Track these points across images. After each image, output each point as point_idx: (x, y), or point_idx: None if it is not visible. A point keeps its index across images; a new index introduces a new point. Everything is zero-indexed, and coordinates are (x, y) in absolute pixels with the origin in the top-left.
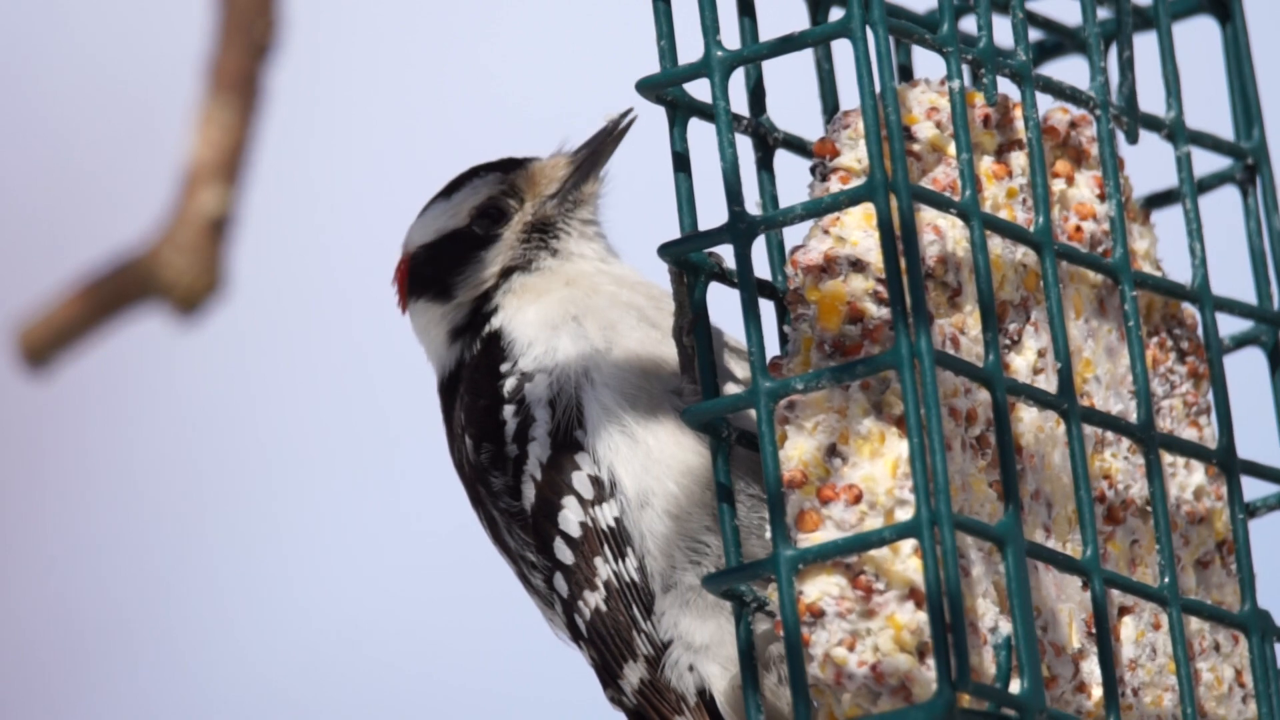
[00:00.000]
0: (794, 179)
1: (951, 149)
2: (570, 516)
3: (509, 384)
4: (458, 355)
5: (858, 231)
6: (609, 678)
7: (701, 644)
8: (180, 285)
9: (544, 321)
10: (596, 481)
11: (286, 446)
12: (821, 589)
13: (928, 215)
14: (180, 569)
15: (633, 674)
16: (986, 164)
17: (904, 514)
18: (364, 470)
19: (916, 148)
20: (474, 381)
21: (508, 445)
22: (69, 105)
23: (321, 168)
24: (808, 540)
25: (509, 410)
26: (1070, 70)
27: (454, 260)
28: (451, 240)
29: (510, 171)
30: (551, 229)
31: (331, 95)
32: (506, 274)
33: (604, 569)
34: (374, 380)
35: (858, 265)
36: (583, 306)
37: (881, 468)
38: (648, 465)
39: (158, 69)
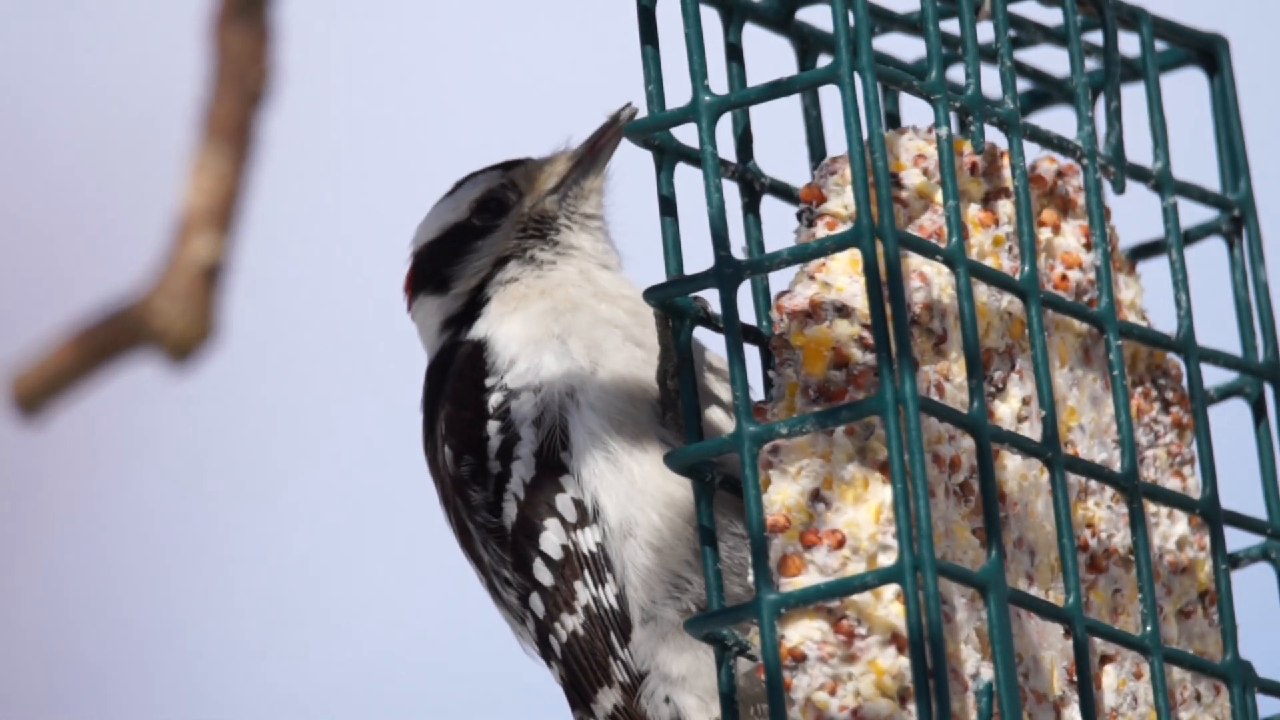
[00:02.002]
0: (780, 224)
1: (938, 196)
2: (552, 538)
3: (494, 399)
4: (445, 343)
5: (843, 277)
6: (579, 699)
7: (678, 675)
8: (173, 333)
9: (527, 337)
10: (579, 505)
11: (280, 492)
12: (803, 633)
13: (914, 262)
14: (174, 615)
15: (607, 700)
16: (973, 211)
17: (887, 559)
18: (359, 514)
19: (904, 195)
20: (458, 391)
21: (490, 461)
22: (62, 153)
23: (315, 215)
24: (790, 584)
25: (493, 426)
26: (1058, 121)
27: (453, 253)
28: (452, 234)
29: (510, 169)
30: (551, 223)
31: (325, 143)
32: (501, 263)
33: (584, 593)
34: (369, 425)
35: (843, 311)
36: (566, 324)
37: (865, 513)
38: (631, 495)
39: (151, 116)
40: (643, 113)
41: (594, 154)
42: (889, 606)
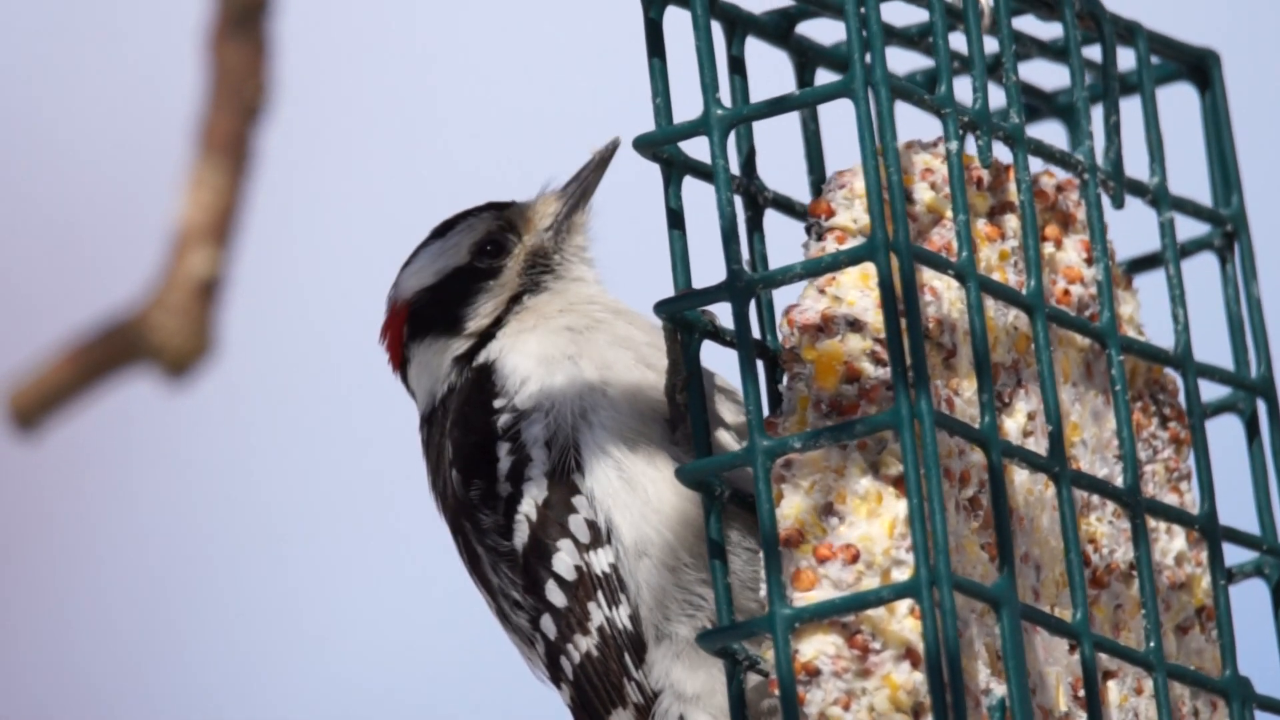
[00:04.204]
0: (781, 239)
1: (947, 211)
2: (565, 559)
3: (503, 420)
4: (450, 382)
5: (854, 291)
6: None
7: (693, 694)
8: (170, 348)
9: (541, 357)
10: (593, 526)
11: (278, 508)
12: (817, 648)
13: (924, 276)
14: (170, 629)
15: None
16: (980, 226)
17: (900, 574)
18: (357, 529)
19: (914, 209)
20: (464, 415)
21: (500, 484)
22: (59, 168)
23: (312, 230)
24: (804, 599)
25: (504, 448)
26: (1047, 136)
27: (460, 295)
28: (454, 278)
29: (503, 210)
30: (551, 258)
31: (322, 157)
32: (515, 299)
33: (597, 614)
34: (365, 441)
35: (855, 325)
36: (580, 345)
37: (878, 528)
38: (645, 514)
39: (148, 131)
40: (637, 133)
41: (581, 190)
42: (903, 621)
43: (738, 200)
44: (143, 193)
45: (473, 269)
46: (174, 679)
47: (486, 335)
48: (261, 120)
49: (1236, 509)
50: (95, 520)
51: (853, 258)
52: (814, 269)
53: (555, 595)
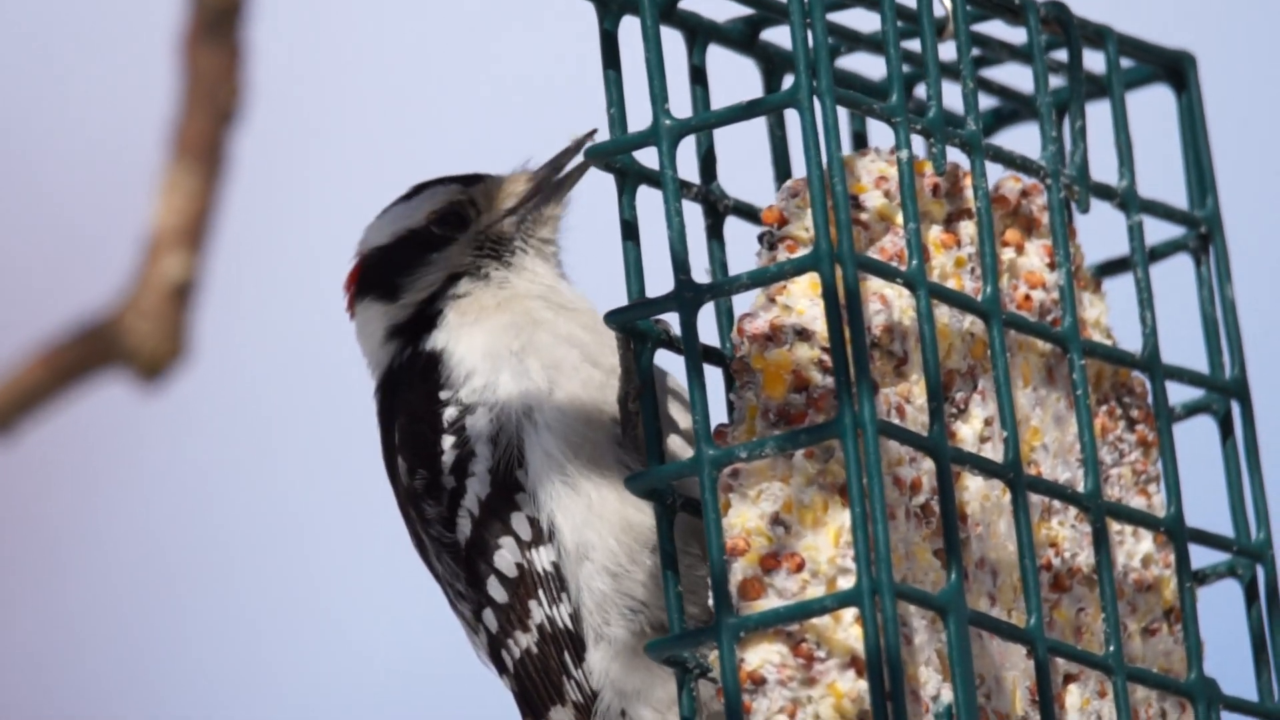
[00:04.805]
0: (746, 245)
1: (900, 218)
2: (507, 556)
3: (449, 413)
4: (392, 355)
5: (804, 300)
6: (530, 711)
7: (634, 690)
8: (144, 351)
9: (485, 351)
10: (534, 523)
11: (250, 514)
12: (763, 656)
13: (874, 284)
14: (144, 636)
15: (560, 718)
16: (935, 233)
17: (846, 582)
18: (334, 534)
19: (864, 217)
20: (410, 402)
21: (444, 476)
22: (33, 172)
23: (286, 233)
24: (750, 608)
25: (448, 441)
26: (1027, 137)
27: (405, 261)
28: (406, 241)
29: (471, 184)
30: (506, 244)
31: (295, 162)
32: (453, 279)
33: (538, 612)
34: (341, 443)
35: (803, 334)
36: (525, 341)
37: (824, 536)
38: (588, 519)
39: (122, 135)
40: (605, 136)
41: (558, 182)
42: (848, 630)
43: (697, 208)
44: (117, 197)
45: (427, 236)
46: (166, 681)
47: (423, 315)
48: (235, 124)
49: (1209, 510)
50: (73, 525)
51: (797, 267)
52: (760, 279)
53: (497, 591)
